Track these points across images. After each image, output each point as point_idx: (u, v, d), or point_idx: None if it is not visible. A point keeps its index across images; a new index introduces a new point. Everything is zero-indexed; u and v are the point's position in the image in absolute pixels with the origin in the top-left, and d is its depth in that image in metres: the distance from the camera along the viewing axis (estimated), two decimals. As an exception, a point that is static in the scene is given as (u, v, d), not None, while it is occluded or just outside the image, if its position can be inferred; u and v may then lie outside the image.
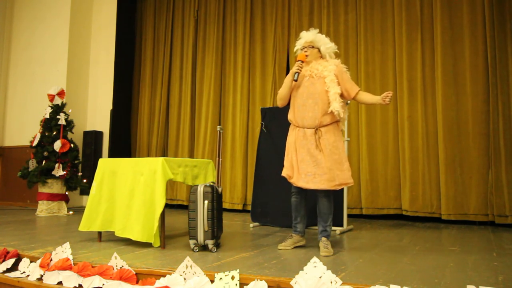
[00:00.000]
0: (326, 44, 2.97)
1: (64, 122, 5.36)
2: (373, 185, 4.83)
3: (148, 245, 3.00)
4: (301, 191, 2.98)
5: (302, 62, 2.92)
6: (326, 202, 2.92)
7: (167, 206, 3.54)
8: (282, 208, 4.16)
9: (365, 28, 5.06)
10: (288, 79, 2.95)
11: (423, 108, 4.66)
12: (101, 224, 3.16)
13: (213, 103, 5.98)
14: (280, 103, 3.04)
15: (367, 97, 2.96)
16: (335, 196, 3.90)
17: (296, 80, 2.89)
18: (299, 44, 3.04)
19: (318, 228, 2.97)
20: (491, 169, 4.28)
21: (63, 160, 5.23)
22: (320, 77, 2.90)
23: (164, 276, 2.21)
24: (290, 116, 3.00)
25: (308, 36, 2.98)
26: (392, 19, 4.94)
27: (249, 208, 5.21)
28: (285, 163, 3.00)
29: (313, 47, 2.96)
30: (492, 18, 4.38)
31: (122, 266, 2.32)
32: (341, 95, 2.90)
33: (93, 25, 6.86)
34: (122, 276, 2.26)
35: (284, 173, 2.97)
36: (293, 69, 2.90)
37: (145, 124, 6.57)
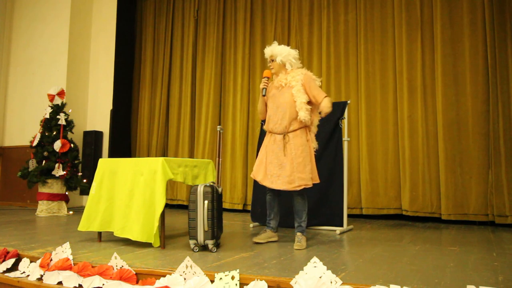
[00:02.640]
0: (282, 54, 3.15)
1: (64, 122, 5.36)
2: (373, 185, 4.83)
3: (148, 245, 3.00)
4: (274, 189, 3.20)
5: (268, 78, 3.20)
6: (299, 200, 3.15)
7: (167, 206, 3.54)
8: (282, 208, 4.16)
9: (365, 28, 5.06)
10: (260, 96, 3.26)
11: (423, 108, 4.66)
12: (100, 224, 3.16)
13: (213, 103, 5.98)
14: (260, 116, 3.37)
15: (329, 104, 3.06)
16: (335, 196, 3.94)
17: (264, 95, 3.19)
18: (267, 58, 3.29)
19: (295, 224, 3.20)
20: (491, 169, 4.28)
21: (63, 160, 5.23)
22: (289, 87, 3.12)
23: (164, 276, 2.21)
24: (265, 126, 3.29)
25: (267, 51, 3.22)
26: (392, 19, 4.94)
27: (249, 208, 5.21)
28: (254, 166, 3.27)
29: (273, 60, 3.20)
30: (492, 18, 4.38)
31: (122, 266, 2.32)
32: (309, 102, 3.10)
33: (93, 25, 6.87)
34: (122, 276, 2.26)
35: (252, 174, 3.27)
36: (260, 85, 3.20)
37: (145, 124, 6.57)
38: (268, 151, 3.15)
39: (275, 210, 3.29)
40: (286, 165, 3.04)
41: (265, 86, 3.16)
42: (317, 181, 3.15)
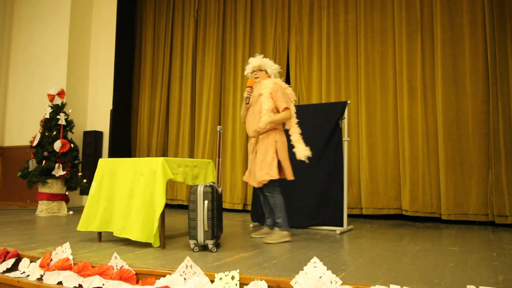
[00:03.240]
0: (271, 66, 3.47)
1: (64, 122, 5.36)
2: (373, 185, 4.83)
3: (148, 245, 3.00)
4: (258, 189, 3.46)
5: (251, 88, 3.42)
6: (269, 198, 3.33)
7: (167, 206, 3.54)
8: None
9: (365, 28, 5.06)
10: (243, 103, 3.52)
11: (423, 108, 4.66)
12: (99, 224, 3.16)
13: (213, 103, 5.98)
14: (242, 121, 3.61)
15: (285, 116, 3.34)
16: (335, 196, 3.94)
17: (247, 103, 3.45)
18: (248, 69, 3.52)
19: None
20: (491, 169, 4.28)
21: (63, 160, 5.23)
22: (261, 95, 3.36)
23: (164, 276, 2.21)
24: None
25: (255, 61, 3.47)
26: (392, 19, 4.94)
27: (249, 208, 5.21)
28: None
29: (261, 70, 3.46)
30: (492, 18, 4.38)
31: (122, 266, 2.32)
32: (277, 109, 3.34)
33: (93, 25, 6.87)
34: (122, 276, 2.26)
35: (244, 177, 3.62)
36: (244, 94, 3.43)
37: (145, 124, 6.57)
38: (249, 153, 3.51)
39: (267, 208, 3.56)
40: (255, 165, 3.36)
41: (249, 95, 3.42)
42: (289, 178, 3.32)
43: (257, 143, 3.38)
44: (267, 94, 3.30)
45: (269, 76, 3.46)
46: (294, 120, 3.38)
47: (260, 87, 3.40)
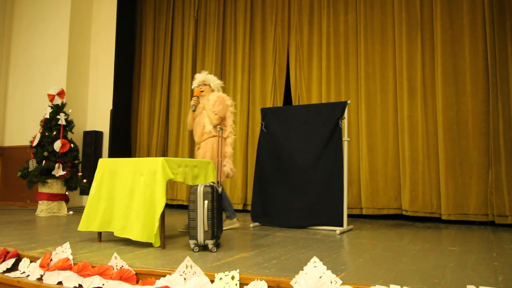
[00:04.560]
0: (214, 81, 3.97)
1: (64, 122, 5.36)
2: (373, 185, 4.83)
3: (148, 245, 3.01)
4: None
5: (198, 97, 3.91)
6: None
7: (167, 206, 3.54)
8: (282, 208, 4.17)
9: (365, 28, 5.06)
10: (190, 110, 4.01)
11: (423, 108, 4.67)
12: (99, 224, 3.16)
13: (213, 103, 5.98)
14: (188, 127, 4.15)
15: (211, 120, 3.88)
16: (335, 196, 3.95)
17: (194, 110, 3.96)
18: (195, 83, 4.00)
19: None
20: (491, 169, 4.28)
21: (63, 160, 5.22)
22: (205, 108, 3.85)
23: (164, 276, 2.21)
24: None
25: (200, 77, 3.98)
26: (392, 19, 4.95)
27: (249, 208, 5.21)
28: None
29: (205, 84, 3.95)
30: (492, 18, 4.38)
31: (122, 266, 2.32)
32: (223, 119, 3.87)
33: (93, 25, 6.87)
34: (122, 276, 2.26)
35: None
36: (191, 102, 3.96)
37: (145, 124, 6.57)
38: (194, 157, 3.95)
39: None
40: None
41: (195, 103, 3.91)
42: (222, 179, 3.65)
43: (199, 148, 3.91)
44: (210, 106, 3.81)
45: (212, 90, 3.94)
46: (232, 132, 3.88)
47: (205, 100, 3.88)
